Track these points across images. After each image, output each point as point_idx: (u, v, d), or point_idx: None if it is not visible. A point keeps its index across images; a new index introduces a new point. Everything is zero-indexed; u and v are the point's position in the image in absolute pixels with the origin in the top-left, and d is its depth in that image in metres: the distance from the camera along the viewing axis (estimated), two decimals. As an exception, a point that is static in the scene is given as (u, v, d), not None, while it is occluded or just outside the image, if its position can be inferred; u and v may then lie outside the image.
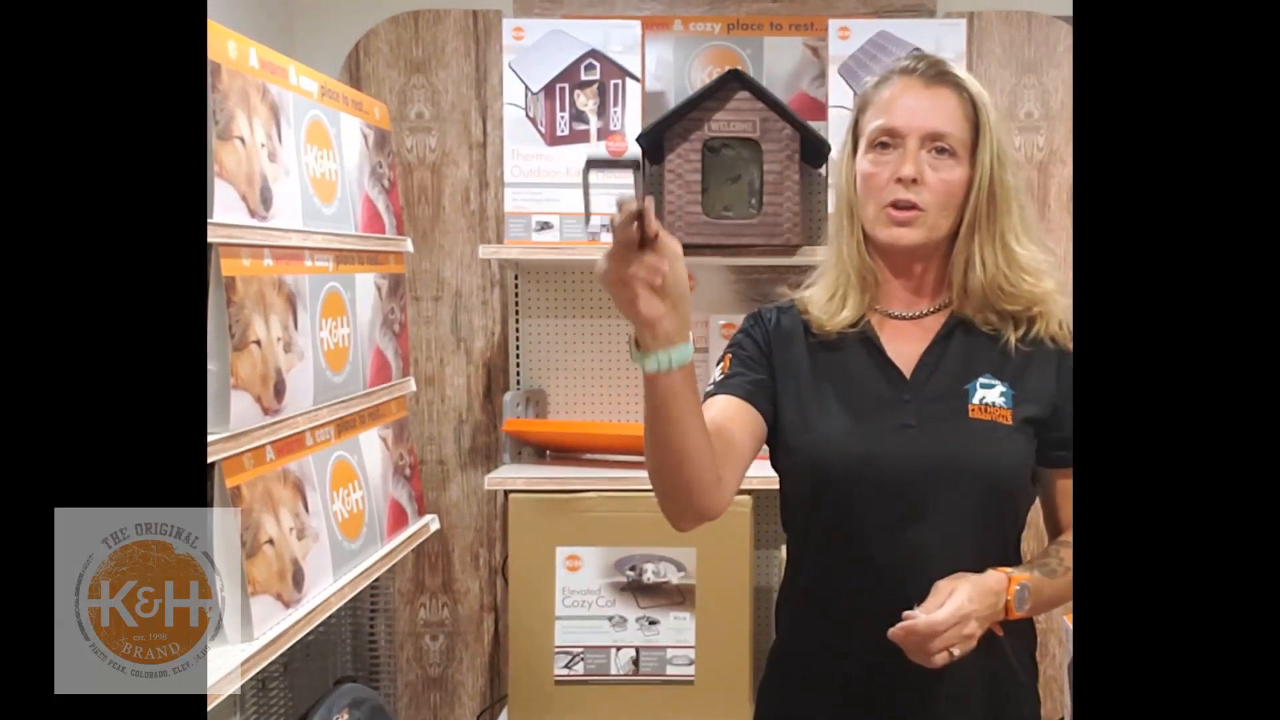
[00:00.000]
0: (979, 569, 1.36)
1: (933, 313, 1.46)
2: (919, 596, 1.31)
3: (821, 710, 1.44)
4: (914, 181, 1.38)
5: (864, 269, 1.45)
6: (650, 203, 1.13)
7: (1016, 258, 1.41)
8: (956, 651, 1.29)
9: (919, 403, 1.42)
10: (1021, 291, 1.42)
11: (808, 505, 1.45)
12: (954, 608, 1.29)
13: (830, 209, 2.52)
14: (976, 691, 1.42)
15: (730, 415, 1.40)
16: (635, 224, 1.12)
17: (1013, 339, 1.43)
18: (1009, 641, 1.42)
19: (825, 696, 1.44)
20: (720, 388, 1.44)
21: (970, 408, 1.41)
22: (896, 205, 1.39)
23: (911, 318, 1.47)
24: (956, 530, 1.39)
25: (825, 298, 1.47)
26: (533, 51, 2.55)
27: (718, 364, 1.49)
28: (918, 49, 2.54)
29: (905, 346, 1.45)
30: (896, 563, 1.38)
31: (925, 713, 1.40)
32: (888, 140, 1.41)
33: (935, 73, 1.42)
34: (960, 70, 1.45)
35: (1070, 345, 1.43)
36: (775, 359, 1.47)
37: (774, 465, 1.49)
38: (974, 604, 1.30)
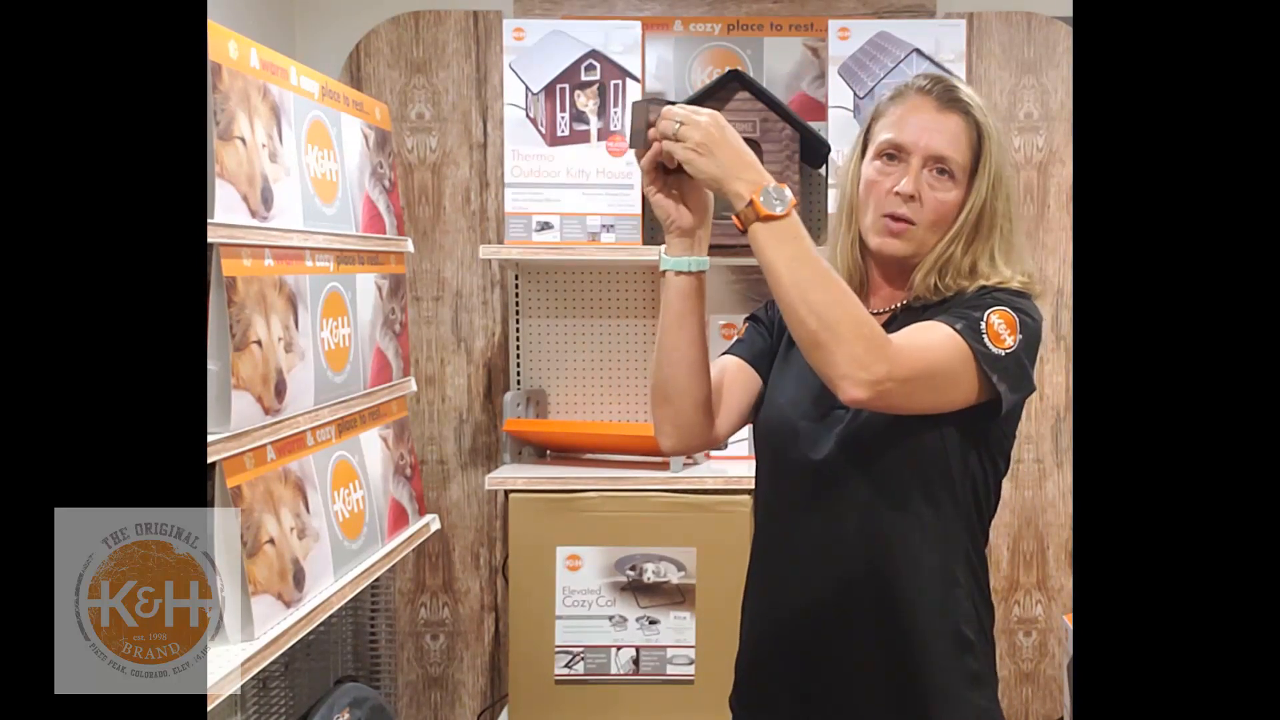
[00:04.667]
0: (899, 519, 1.44)
1: (904, 306, 1.53)
2: (840, 538, 1.45)
3: (771, 652, 1.58)
4: (911, 198, 1.45)
5: (854, 268, 1.53)
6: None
7: (980, 276, 1.46)
8: (664, 125, 1.36)
9: None
10: (976, 285, 1.47)
11: (758, 451, 1.60)
12: (703, 116, 1.35)
13: (831, 208, 2.55)
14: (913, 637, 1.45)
15: (730, 374, 1.57)
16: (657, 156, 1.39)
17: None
18: (957, 599, 1.46)
19: (767, 636, 1.59)
20: (730, 349, 1.61)
21: None
22: (893, 216, 1.46)
23: (886, 312, 1.53)
24: (879, 487, 1.44)
25: None
26: (533, 52, 2.55)
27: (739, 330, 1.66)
28: (917, 49, 2.55)
29: None
30: (816, 506, 1.48)
31: (851, 652, 1.47)
32: (894, 153, 1.47)
33: (949, 98, 1.48)
34: (973, 96, 1.50)
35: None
36: (781, 338, 1.59)
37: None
38: (721, 136, 1.35)
